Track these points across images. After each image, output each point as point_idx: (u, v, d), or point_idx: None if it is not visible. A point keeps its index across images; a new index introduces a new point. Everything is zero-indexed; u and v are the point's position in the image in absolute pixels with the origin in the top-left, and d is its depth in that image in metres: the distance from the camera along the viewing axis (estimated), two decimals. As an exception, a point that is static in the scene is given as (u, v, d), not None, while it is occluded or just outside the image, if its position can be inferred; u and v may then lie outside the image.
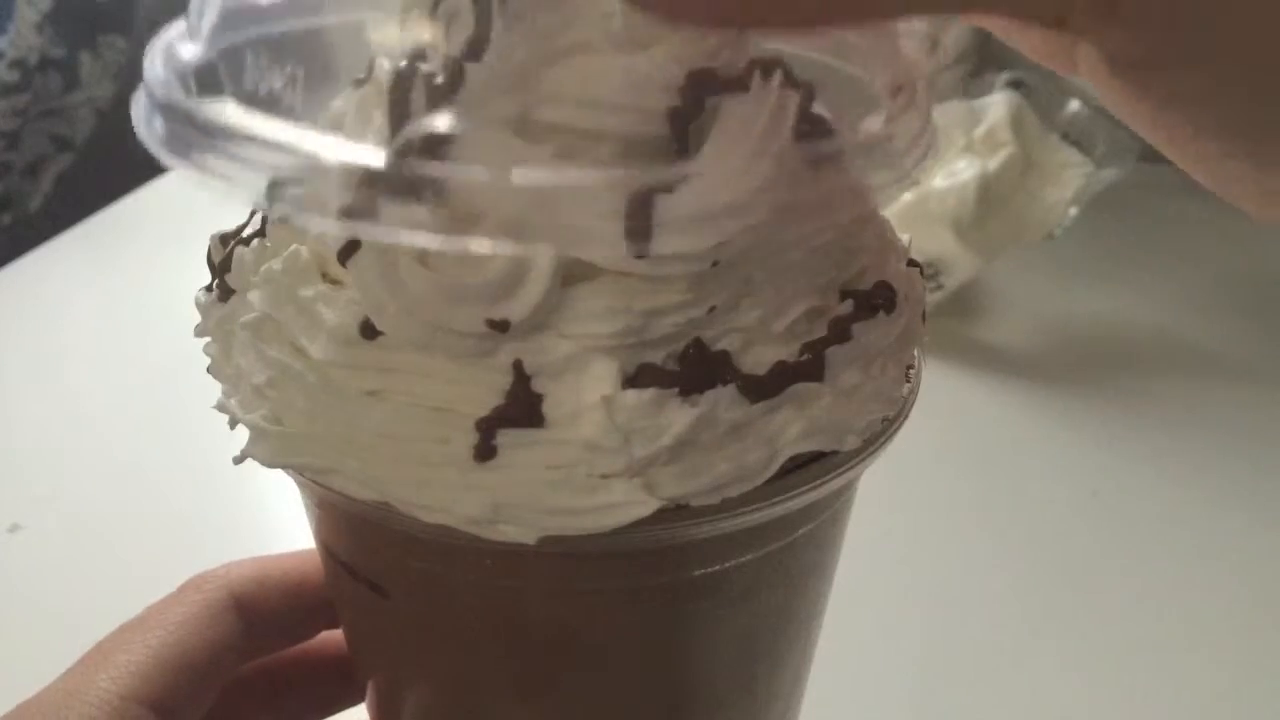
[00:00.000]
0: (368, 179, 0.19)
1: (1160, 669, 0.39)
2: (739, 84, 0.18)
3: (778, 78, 0.19)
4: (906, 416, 0.21)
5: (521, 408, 0.18)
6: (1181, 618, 0.41)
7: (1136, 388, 0.54)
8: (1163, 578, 0.43)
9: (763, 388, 0.18)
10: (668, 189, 0.17)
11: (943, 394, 0.53)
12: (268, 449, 0.20)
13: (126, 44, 0.84)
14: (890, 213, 0.51)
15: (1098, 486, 0.47)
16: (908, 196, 0.54)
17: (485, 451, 0.18)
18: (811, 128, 0.20)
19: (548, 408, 0.18)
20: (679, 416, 0.18)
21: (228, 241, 0.22)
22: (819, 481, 0.19)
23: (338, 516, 0.21)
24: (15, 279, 0.65)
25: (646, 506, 0.18)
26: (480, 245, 0.17)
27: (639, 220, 0.18)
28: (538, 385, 0.18)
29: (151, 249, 0.67)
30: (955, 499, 0.47)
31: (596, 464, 0.18)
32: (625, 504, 0.18)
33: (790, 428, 0.18)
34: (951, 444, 0.49)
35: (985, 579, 0.43)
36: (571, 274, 0.18)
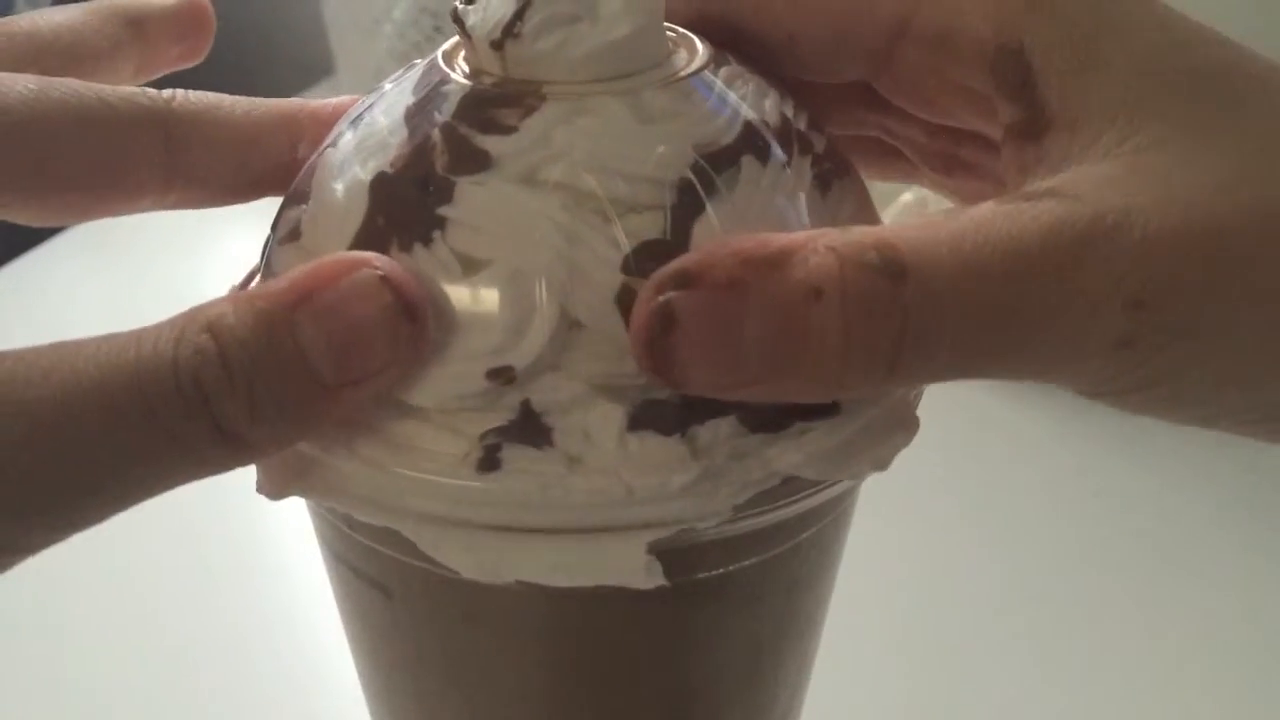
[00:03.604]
0: (373, 223, 0.19)
1: (1162, 669, 0.39)
2: (758, 150, 0.19)
3: (795, 143, 0.20)
4: None
5: (530, 431, 0.18)
6: (1183, 618, 0.41)
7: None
8: (1164, 578, 0.43)
9: (763, 420, 0.19)
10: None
11: (943, 394, 0.52)
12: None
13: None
14: (890, 213, 0.51)
15: (1098, 487, 0.47)
16: (907, 196, 0.54)
17: (490, 463, 0.18)
18: (832, 166, 0.21)
19: (556, 438, 0.18)
20: (682, 471, 0.18)
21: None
22: (822, 486, 0.20)
23: (339, 515, 0.21)
24: (15, 279, 0.65)
25: (649, 579, 0.18)
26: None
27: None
28: (547, 420, 0.18)
29: (151, 249, 0.67)
30: (955, 498, 0.47)
31: (600, 511, 0.18)
32: (626, 567, 0.18)
33: (790, 455, 0.19)
34: (951, 444, 0.49)
35: (985, 579, 0.43)
36: (576, 316, 0.18)
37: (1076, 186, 0.18)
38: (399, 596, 0.22)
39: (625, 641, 0.21)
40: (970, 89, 0.21)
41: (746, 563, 0.20)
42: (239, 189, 0.23)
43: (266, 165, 0.22)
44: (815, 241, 0.17)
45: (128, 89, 0.21)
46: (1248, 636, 0.40)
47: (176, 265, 0.63)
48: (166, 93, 0.22)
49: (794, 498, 0.19)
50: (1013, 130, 0.20)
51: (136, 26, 0.24)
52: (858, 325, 0.17)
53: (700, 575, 0.20)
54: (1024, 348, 0.17)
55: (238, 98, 0.23)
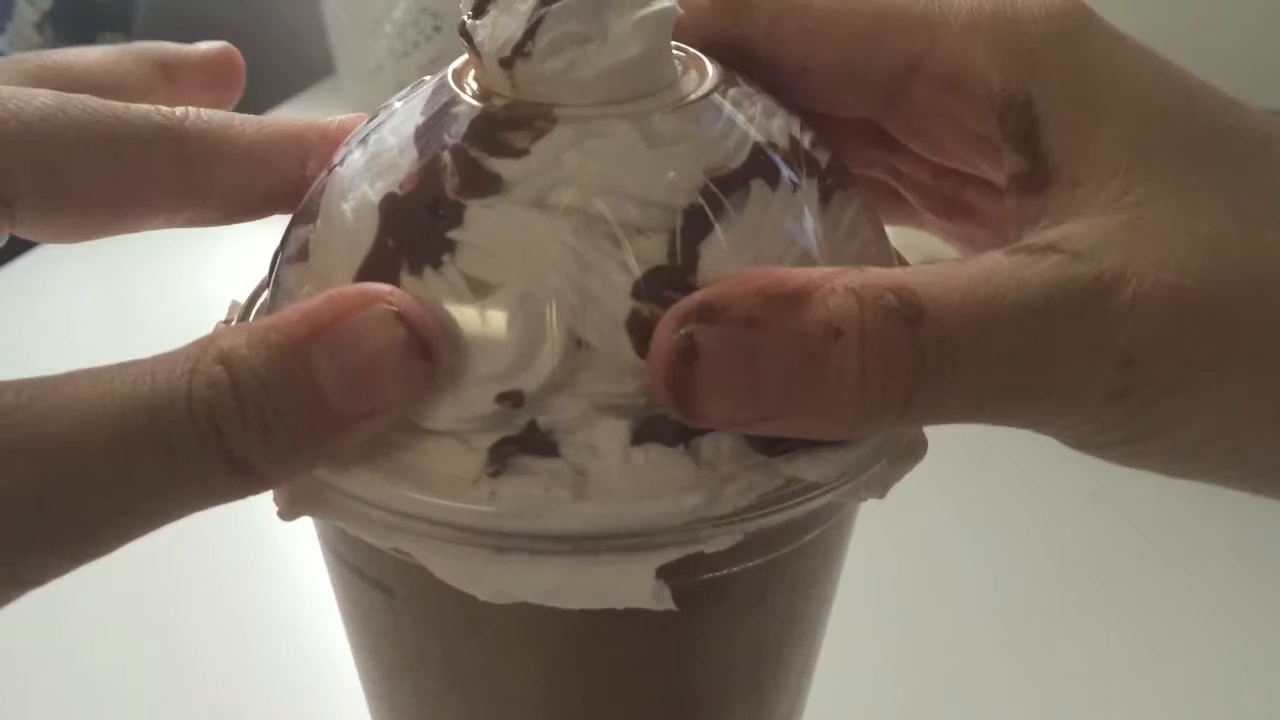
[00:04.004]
0: (383, 245, 0.19)
1: (1162, 670, 0.39)
2: (767, 174, 0.19)
3: (803, 164, 0.20)
4: None
5: (536, 448, 0.18)
6: (1183, 619, 0.41)
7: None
8: (1164, 579, 0.43)
9: (768, 440, 0.19)
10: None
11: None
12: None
13: (126, 43, 0.84)
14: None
15: (1099, 487, 0.47)
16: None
17: (496, 482, 0.18)
18: (836, 180, 0.21)
19: (563, 452, 0.18)
20: (690, 494, 0.18)
21: (247, 315, 0.23)
22: (826, 489, 0.19)
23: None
24: (15, 279, 0.65)
25: (658, 602, 0.19)
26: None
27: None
28: (553, 438, 0.18)
29: (151, 249, 0.67)
30: (956, 499, 0.47)
31: (608, 535, 0.18)
32: (635, 591, 0.19)
33: (791, 467, 0.19)
34: (951, 444, 0.49)
35: (985, 579, 0.43)
36: (585, 339, 0.18)
37: (1078, 241, 0.18)
38: (401, 597, 0.22)
39: (628, 644, 0.21)
40: (977, 133, 0.21)
41: (750, 564, 0.20)
42: (249, 207, 0.23)
43: (276, 183, 0.23)
44: (834, 281, 0.17)
45: (142, 106, 0.21)
46: (1248, 638, 0.40)
47: (176, 266, 0.63)
48: (180, 110, 0.22)
49: (798, 500, 0.19)
50: (1016, 180, 0.20)
51: (168, 71, 0.25)
52: (875, 365, 0.17)
53: (704, 576, 0.20)
54: (1027, 395, 0.18)
55: (247, 115, 0.23)
